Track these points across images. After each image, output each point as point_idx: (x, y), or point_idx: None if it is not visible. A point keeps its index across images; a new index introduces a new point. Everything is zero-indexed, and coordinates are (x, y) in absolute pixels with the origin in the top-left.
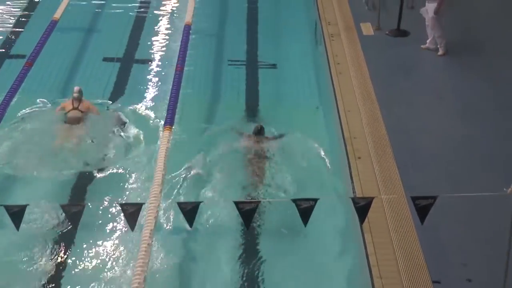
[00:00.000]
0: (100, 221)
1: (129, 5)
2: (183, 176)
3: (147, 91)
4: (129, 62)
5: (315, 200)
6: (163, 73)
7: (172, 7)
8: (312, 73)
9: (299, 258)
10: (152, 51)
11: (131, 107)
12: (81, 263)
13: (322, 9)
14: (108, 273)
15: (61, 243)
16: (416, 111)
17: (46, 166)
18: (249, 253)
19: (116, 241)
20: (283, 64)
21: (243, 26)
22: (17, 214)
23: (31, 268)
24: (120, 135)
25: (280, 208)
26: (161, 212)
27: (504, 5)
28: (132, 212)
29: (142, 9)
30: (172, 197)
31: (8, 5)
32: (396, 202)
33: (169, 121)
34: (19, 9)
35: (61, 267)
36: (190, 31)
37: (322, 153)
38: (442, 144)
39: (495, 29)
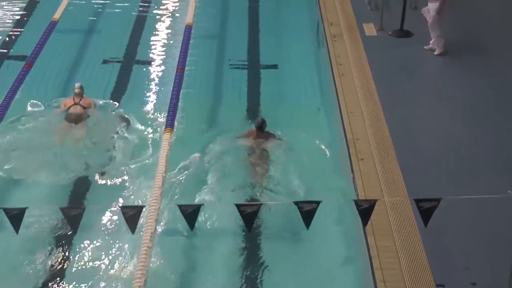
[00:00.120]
0: (100, 224)
1: (130, 5)
2: (184, 178)
3: (147, 92)
4: (129, 63)
5: (318, 203)
6: (164, 74)
7: (173, 7)
8: (314, 74)
9: (300, 261)
10: (153, 52)
11: (131, 109)
12: (80, 266)
13: (324, 9)
14: (109, 276)
15: (61, 246)
16: (419, 112)
17: (45, 168)
18: (250, 256)
19: (116, 244)
20: (284, 65)
21: (245, 26)
22: (16, 217)
23: (30, 271)
24: (121, 137)
25: (282, 210)
26: (161, 215)
27: (507, 5)
28: (132, 215)
29: (142, 10)
30: (173, 200)
31: (8, 5)
32: (399, 205)
33: (170, 124)
34: (18, 10)
35: (60, 270)
36: (191, 32)
37: (324, 154)
38: (445, 145)
39: (499, 29)
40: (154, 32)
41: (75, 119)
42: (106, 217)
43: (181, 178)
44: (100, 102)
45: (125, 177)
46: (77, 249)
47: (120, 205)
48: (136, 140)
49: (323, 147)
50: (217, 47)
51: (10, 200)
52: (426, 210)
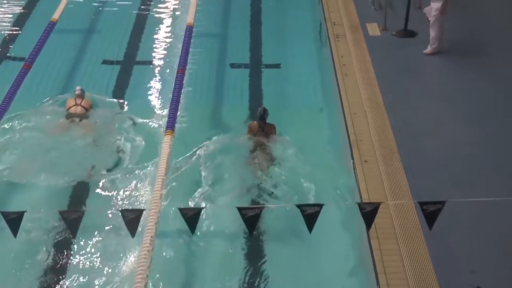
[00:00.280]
0: (100, 228)
1: (130, 5)
2: (185, 179)
3: (148, 92)
4: (129, 64)
5: (321, 206)
6: (164, 74)
7: (174, 7)
8: (316, 74)
9: (303, 265)
10: (153, 52)
11: (131, 109)
12: (80, 269)
13: (327, 9)
14: (109, 279)
15: (60, 250)
16: (422, 114)
17: (45, 171)
18: (252, 259)
19: (116, 248)
20: (287, 65)
21: (247, 26)
22: (14, 220)
23: (29, 275)
24: (122, 139)
25: (284, 213)
26: (161, 218)
27: (510, 6)
28: (132, 218)
29: (142, 10)
30: (173, 202)
31: (7, 5)
32: (403, 208)
33: (170, 126)
34: (17, 9)
35: (59, 274)
36: (192, 32)
37: (327, 155)
38: (449, 147)
39: (503, 30)
40: (154, 32)
41: (75, 118)
42: (105, 220)
43: (181, 180)
44: (107, 100)
45: (126, 180)
46: (76, 253)
47: (120, 208)
48: (136, 142)
49: (325, 148)
50: (219, 47)
51: (9, 203)
52: (430, 213)
